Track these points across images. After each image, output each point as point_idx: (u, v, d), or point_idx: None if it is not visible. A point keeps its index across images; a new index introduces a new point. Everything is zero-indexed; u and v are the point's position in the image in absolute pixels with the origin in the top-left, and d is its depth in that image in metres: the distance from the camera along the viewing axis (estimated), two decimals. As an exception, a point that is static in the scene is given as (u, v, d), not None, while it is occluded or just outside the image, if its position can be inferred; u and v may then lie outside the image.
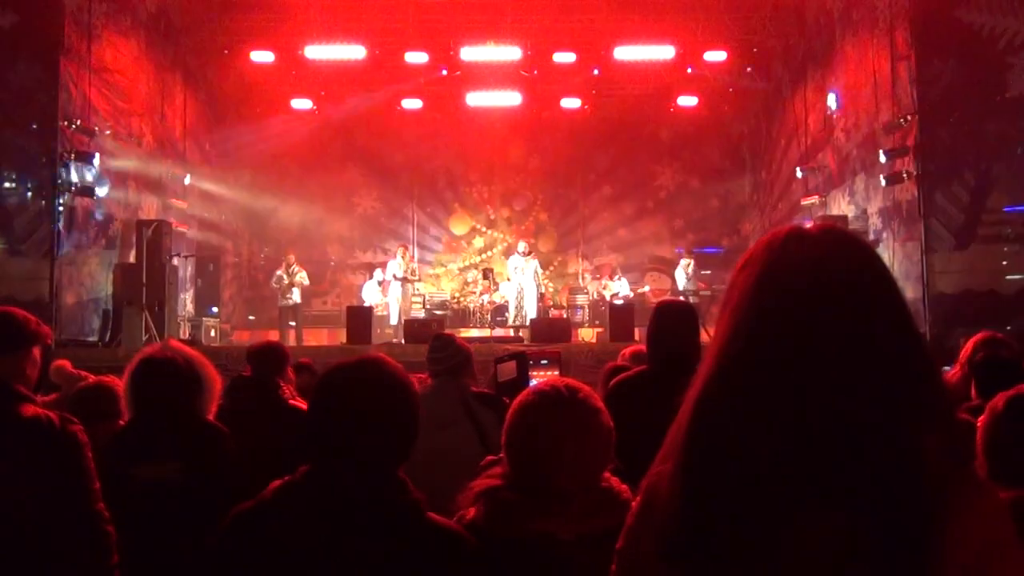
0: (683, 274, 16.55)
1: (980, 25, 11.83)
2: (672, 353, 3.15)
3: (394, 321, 15.59)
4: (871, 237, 13.69)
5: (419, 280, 16.77)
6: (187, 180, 16.54)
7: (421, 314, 16.20)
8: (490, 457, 2.07)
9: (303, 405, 4.13)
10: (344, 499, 1.76)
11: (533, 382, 2.16)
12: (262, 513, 1.79)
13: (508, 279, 16.44)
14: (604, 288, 17.23)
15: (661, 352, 3.27)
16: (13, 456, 2.45)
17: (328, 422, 1.83)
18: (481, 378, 4.29)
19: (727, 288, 1.19)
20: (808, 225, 1.22)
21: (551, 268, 19.64)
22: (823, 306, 1.05)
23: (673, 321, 3.32)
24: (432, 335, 4.03)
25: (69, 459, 2.49)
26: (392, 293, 15.93)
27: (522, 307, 15.85)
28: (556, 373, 3.30)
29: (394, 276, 15.88)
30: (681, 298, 15.23)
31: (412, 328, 13.55)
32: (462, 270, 19.92)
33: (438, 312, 17.16)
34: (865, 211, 14.30)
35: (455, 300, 18.44)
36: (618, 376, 3.53)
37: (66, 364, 4.74)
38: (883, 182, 13.17)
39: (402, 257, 16.12)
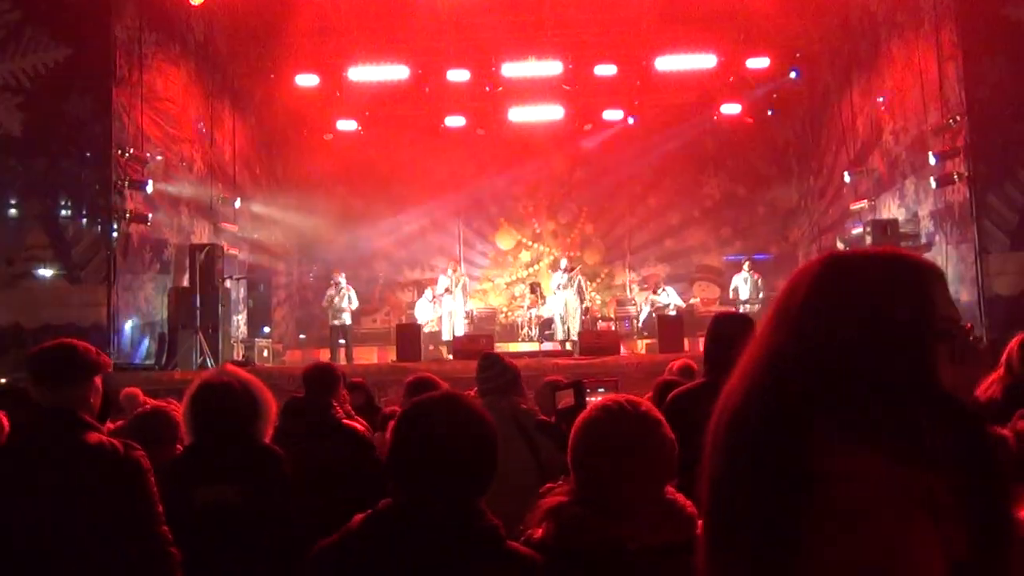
0: (744, 283, 16.37)
1: (1029, 21, 11.65)
2: (731, 365, 3.12)
3: (447, 337, 15.60)
4: (923, 240, 13.50)
5: (469, 296, 16.79)
6: (237, 204, 16.75)
7: (469, 329, 16.20)
8: (549, 484, 2.13)
9: (357, 425, 4.23)
10: (430, 531, 1.81)
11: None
12: (349, 545, 1.85)
13: (554, 293, 16.34)
14: (648, 302, 17.10)
15: (719, 364, 3.26)
16: (80, 482, 2.52)
17: (414, 458, 1.88)
18: (529, 394, 4.30)
19: None
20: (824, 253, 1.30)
21: (598, 280, 19.59)
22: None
23: (730, 332, 3.32)
24: (480, 352, 4.13)
25: (133, 484, 2.56)
26: (445, 309, 15.96)
27: (567, 322, 15.79)
28: (614, 399, 3.38)
29: (446, 290, 15.89)
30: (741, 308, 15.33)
31: (460, 345, 13.55)
32: (509, 285, 19.86)
33: (486, 327, 17.21)
34: (916, 214, 14.05)
35: (503, 315, 18.48)
36: (673, 391, 3.53)
37: (137, 392, 4.87)
38: (934, 184, 12.93)
39: (453, 272, 16.12)
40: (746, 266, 16.68)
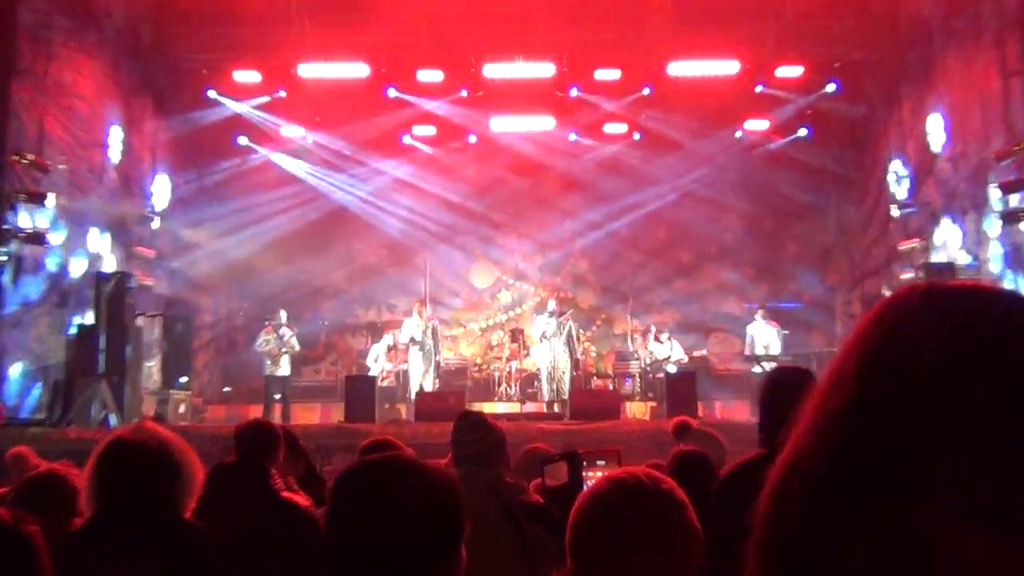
0: (764, 334, 16.17)
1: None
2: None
3: (416, 391, 15.42)
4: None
5: (441, 341, 16.64)
6: (155, 224, 16.66)
7: (437, 385, 15.96)
8: None
9: (299, 499, 4.15)
10: None
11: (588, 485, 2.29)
12: None
13: (540, 342, 16.25)
14: (650, 357, 16.86)
15: (781, 432, 3.15)
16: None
17: (348, 538, 1.81)
18: (513, 462, 4.31)
19: None
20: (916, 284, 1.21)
21: (594, 327, 19.58)
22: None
23: (792, 391, 3.07)
24: (455, 413, 4.11)
25: (20, 568, 2.45)
26: (413, 361, 15.77)
27: (555, 379, 15.57)
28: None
29: (412, 340, 15.65)
30: (762, 366, 15.18)
31: (425, 403, 13.40)
32: (485, 331, 19.68)
33: (455, 382, 16.99)
34: (977, 257, 14.07)
35: (476, 367, 18.39)
36: (731, 468, 3.53)
37: (26, 452, 4.81)
38: (998, 222, 13.06)
39: (419, 315, 15.83)
40: (759, 315, 16.42)
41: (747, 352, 16.35)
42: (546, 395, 15.71)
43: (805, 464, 1.10)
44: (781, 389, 3.40)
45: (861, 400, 1.08)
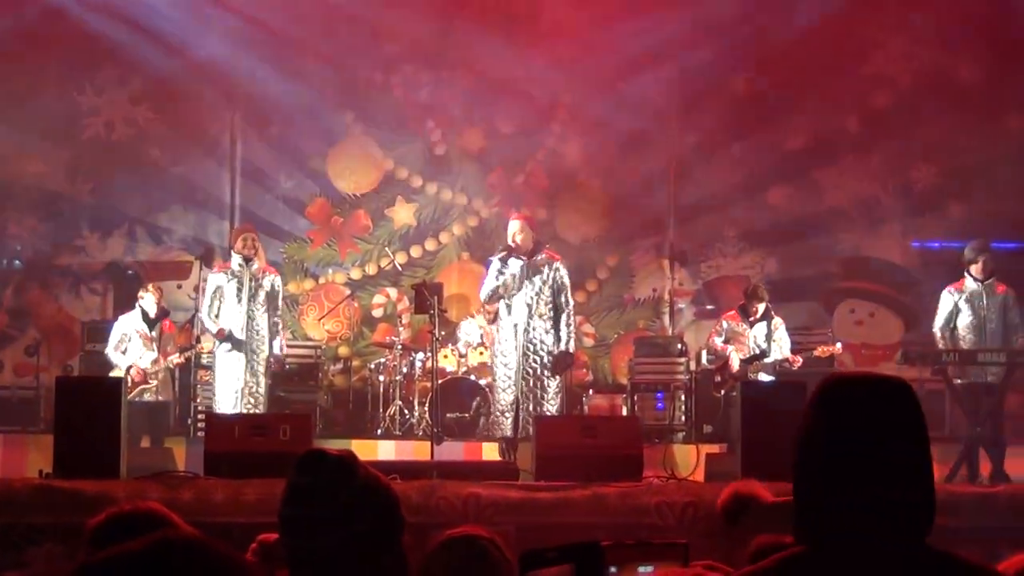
0: (973, 307, 14.62)
1: None
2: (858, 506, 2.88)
3: (229, 407, 15.06)
4: None
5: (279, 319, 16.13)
6: None
7: (259, 395, 15.46)
8: None
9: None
10: None
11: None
12: None
13: (488, 311, 15.82)
14: (716, 348, 15.92)
15: (822, 505, 3.08)
16: None
17: None
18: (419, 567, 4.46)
19: None
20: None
21: (591, 285, 18.86)
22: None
23: (852, 423, 2.96)
24: (293, 460, 3.66)
25: None
26: (220, 354, 15.36)
27: (520, 390, 14.10)
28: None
29: (215, 306, 15.16)
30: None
31: (225, 438, 12.38)
32: (357, 287, 18.99)
33: (292, 394, 17.04)
34: None
35: (339, 364, 18.56)
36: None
37: None
38: None
39: (241, 256, 15.12)
40: (979, 263, 14.32)
41: (939, 334, 14.81)
42: (503, 425, 14.35)
43: None
44: (831, 420, 3.00)
45: None
